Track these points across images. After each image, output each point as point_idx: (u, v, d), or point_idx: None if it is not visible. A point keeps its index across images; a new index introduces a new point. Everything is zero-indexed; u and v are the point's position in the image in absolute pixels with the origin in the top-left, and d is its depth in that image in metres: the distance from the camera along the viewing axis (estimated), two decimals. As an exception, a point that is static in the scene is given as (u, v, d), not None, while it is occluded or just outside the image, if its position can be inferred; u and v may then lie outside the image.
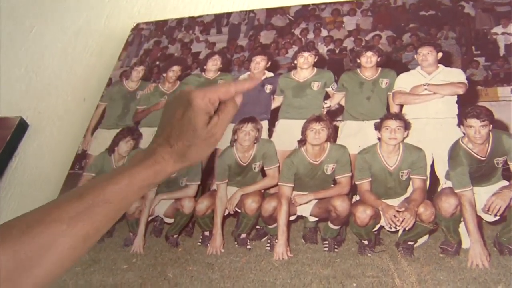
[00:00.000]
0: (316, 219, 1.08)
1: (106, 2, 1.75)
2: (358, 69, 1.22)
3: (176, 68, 1.42)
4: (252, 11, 1.47)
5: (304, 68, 1.26)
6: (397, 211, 1.01)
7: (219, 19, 1.51)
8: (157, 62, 1.48)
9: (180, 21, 1.56)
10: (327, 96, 1.22)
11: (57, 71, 1.65)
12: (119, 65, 1.52)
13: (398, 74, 1.18)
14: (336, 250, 1.01)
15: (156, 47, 1.52)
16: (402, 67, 1.19)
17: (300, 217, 1.10)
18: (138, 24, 1.61)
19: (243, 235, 1.10)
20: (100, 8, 1.75)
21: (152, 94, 1.41)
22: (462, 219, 0.97)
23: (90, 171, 1.32)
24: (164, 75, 1.43)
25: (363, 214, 1.02)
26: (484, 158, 1.01)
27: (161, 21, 1.58)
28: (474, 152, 1.02)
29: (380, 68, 1.21)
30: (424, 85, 1.14)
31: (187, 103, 0.72)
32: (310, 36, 1.34)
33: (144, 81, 1.45)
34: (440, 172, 1.04)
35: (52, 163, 1.43)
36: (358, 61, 1.23)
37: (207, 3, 1.58)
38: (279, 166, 1.15)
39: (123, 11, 1.71)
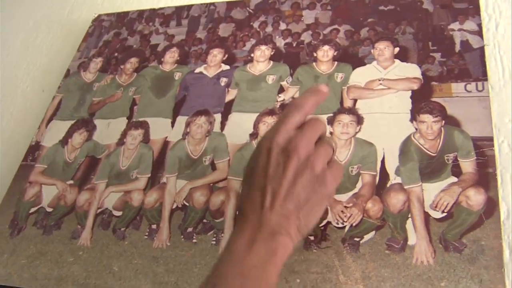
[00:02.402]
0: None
1: (70, -8, 1.73)
2: (314, 63, 1.21)
3: (133, 60, 1.40)
4: (212, 3, 1.45)
5: (260, 61, 1.24)
6: (345, 206, 0.99)
7: (180, 12, 1.49)
8: (116, 54, 1.45)
9: (141, 12, 1.53)
10: (281, 90, 1.20)
11: (16, 62, 1.62)
12: (78, 56, 1.49)
13: (354, 69, 1.16)
14: (281, 245, 0.99)
15: (116, 39, 1.49)
16: (358, 62, 1.17)
17: (248, 212, 1.07)
18: (99, 16, 1.59)
19: (190, 229, 1.07)
20: (63, -1, 1.72)
21: (108, 86, 1.38)
22: (409, 216, 0.95)
23: (42, 162, 1.29)
24: (122, 67, 1.40)
25: (310, 209, 1.00)
26: (435, 154, 0.99)
27: (122, 12, 1.56)
28: (425, 147, 1.00)
29: (336, 62, 1.19)
30: (379, 80, 1.12)
31: (320, 185, 0.63)
32: (269, 29, 1.32)
33: (102, 72, 1.43)
34: (390, 167, 1.02)
35: (6, 154, 1.40)
36: (315, 55, 1.21)
37: (171, -5, 1.56)
38: (229, 160, 1.12)
39: (86, 3, 1.68)
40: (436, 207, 0.95)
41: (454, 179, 0.97)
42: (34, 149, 1.32)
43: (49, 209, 1.20)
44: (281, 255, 0.60)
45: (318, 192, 0.64)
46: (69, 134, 1.30)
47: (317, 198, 0.64)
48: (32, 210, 1.22)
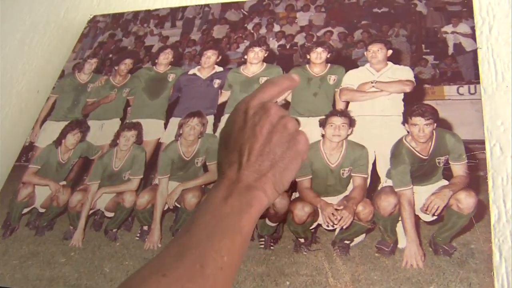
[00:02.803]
0: (254, 216, 1.05)
1: (67, -6, 1.73)
2: (307, 65, 1.20)
3: (128, 61, 1.40)
4: (207, 5, 1.45)
5: (254, 63, 1.24)
6: (336, 209, 0.99)
7: (174, 13, 1.49)
8: (110, 55, 1.45)
9: (136, 14, 1.53)
10: (274, 92, 1.19)
11: (12, 62, 1.62)
12: (73, 57, 1.49)
13: (347, 71, 1.16)
14: (272, 247, 0.99)
15: (111, 40, 1.49)
16: (351, 64, 1.17)
17: (238, 214, 1.07)
18: (94, 17, 1.59)
19: (181, 231, 1.07)
20: (59, 0, 1.72)
21: (102, 87, 1.38)
22: (400, 219, 0.95)
23: (35, 163, 1.29)
24: (116, 68, 1.40)
25: (301, 212, 1.00)
26: (426, 157, 0.99)
27: (117, 13, 1.56)
28: (416, 150, 1.00)
29: (329, 65, 1.19)
30: (372, 82, 1.12)
31: (293, 143, 0.68)
32: (263, 31, 1.32)
33: (96, 73, 1.43)
34: (382, 170, 1.02)
35: (0, 155, 1.40)
36: (308, 57, 1.21)
37: (166, -3, 1.56)
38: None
39: (82, 4, 1.68)
40: (426, 210, 0.95)
41: (445, 182, 0.96)
42: (27, 149, 1.32)
43: (42, 210, 1.20)
44: (255, 208, 0.64)
45: (293, 149, 0.68)
46: (62, 135, 1.30)
47: (291, 155, 0.68)
48: (25, 210, 1.22)
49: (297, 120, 0.72)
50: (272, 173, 0.66)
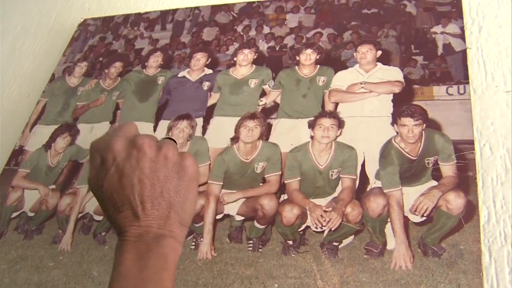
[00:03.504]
0: (243, 218, 1.05)
1: (58, -3, 1.73)
2: (296, 67, 1.20)
3: (118, 64, 1.40)
4: (197, 7, 1.45)
5: (243, 65, 1.24)
6: (324, 210, 0.98)
7: (165, 16, 1.49)
8: (101, 58, 1.45)
9: (126, 17, 1.53)
10: (263, 94, 1.19)
11: (4, 66, 1.61)
12: (63, 61, 1.49)
13: (336, 72, 1.16)
14: (260, 250, 0.98)
15: (101, 43, 1.49)
16: (340, 65, 1.17)
17: (227, 216, 1.06)
18: (85, 20, 1.58)
19: (169, 234, 1.06)
20: (51, 3, 1.72)
21: (92, 90, 1.38)
22: (388, 220, 0.95)
23: (25, 167, 1.29)
24: (106, 71, 1.40)
25: (289, 214, 0.99)
26: (415, 158, 0.99)
27: (108, 17, 1.56)
28: (405, 151, 0.99)
29: (318, 66, 1.18)
30: (361, 83, 1.12)
31: (182, 171, 0.59)
32: (252, 33, 1.32)
33: (86, 77, 1.42)
34: (371, 171, 1.01)
35: (-11, 159, 1.39)
36: (297, 58, 1.21)
37: (157, 0, 1.56)
38: (210, 164, 1.11)
39: (74, 7, 1.68)
40: (415, 211, 0.94)
41: (434, 182, 0.96)
42: (17, 153, 1.32)
43: (31, 214, 1.20)
44: (172, 259, 0.56)
45: (184, 178, 0.60)
46: (52, 138, 1.29)
47: (185, 185, 0.60)
48: (14, 215, 1.21)
49: (172, 139, 0.65)
50: (174, 212, 0.58)
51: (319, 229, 0.97)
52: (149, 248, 0.55)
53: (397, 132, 1.02)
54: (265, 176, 1.07)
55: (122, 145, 0.60)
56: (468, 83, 1.04)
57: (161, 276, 0.54)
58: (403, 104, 1.05)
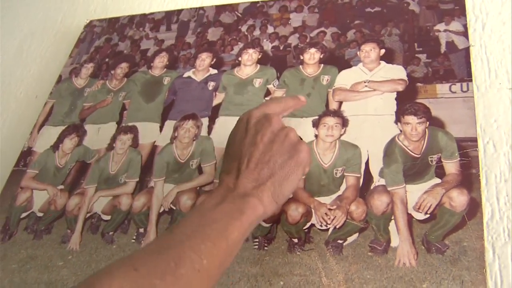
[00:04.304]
0: (248, 217, 1.05)
1: (64, 0, 1.74)
2: (300, 66, 1.21)
3: (124, 65, 1.41)
4: (202, 8, 1.46)
5: (248, 65, 1.25)
6: (329, 208, 0.99)
7: (169, 16, 1.50)
8: (107, 59, 1.46)
9: (132, 18, 1.54)
10: (268, 93, 1.20)
11: (11, 68, 1.63)
12: (70, 62, 1.51)
13: (340, 71, 1.17)
14: (265, 248, 0.99)
15: (107, 44, 1.50)
16: (344, 64, 1.17)
17: (233, 215, 1.07)
18: (91, 21, 1.60)
19: (176, 233, 1.07)
20: (57, 6, 1.74)
21: (99, 91, 1.39)
22: (392, 217, 0.95)
23: (33, 168, 1.30)
24: (112, 72, 1.41)
25: (294, 212, 1.00)
26: (419, 156, 0.99)
27: (113, 18, 1.57)
28: (409, 149, 1.00)
29: (322, 65, 1.19)
30: (365, 82, 1.12)
31: (294, 152, 0.66)
32: (257, 33, 1.32)
33: (93, 78, 1.44)
34: (374, 169, 1.02)
35: (-1, 160, 1.41)
36: (301, 57, 1.22)
37: (161, 1, 1.57)
38: (216, 163, 1.13)
39: (79, 9, 1.70)
40: (419, 208, 0.95)
41: (437, 180, 0.96)
42: (26, 154, 1.33)
43: (40, 214, 1.21)
44: (247, 216, 0.60)
45: (293, 159, 0.66)
46: (60, 139, 1.31)
47: (292, 165, 0.66)
48: (23, 215, 1.23)
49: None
50: (271, 182, 0.64)
51: (324, 227, 0.98)
52: (232, 199, 0.60)
53: (400, 130, 1.03)
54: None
55: (258, 114, 0.70)
56: (471, 80, 1.05)
57: (230, 223, 0.59)
58: (407, 102, 1.05)
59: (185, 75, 1.31)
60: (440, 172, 0.97)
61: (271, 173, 0.64)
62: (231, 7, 1.42)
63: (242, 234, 0.61)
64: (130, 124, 1.28)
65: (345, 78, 1.15)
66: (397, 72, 1.11)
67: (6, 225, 1.22)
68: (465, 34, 1.12)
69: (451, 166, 0.97)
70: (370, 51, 1.16)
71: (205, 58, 1.31)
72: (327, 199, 1.01)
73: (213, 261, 0.55)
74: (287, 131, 0.68)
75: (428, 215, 0.94)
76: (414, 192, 0.96)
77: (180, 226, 0.59)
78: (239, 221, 0.59)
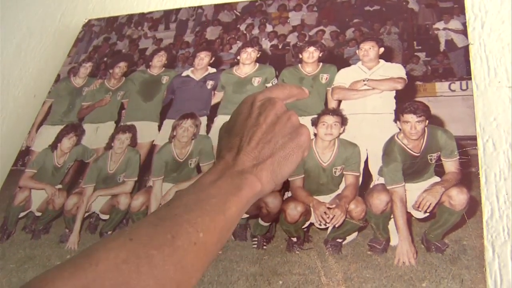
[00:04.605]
0: (247, 215, 1.05)
1: (62, -2, 1.74)
2: (299, 65, 1.21)
3: (122, 64, 1.41)
4: (200, 7, 1.46)
5: (247, 63, 1.25)
6: (328, 207, 0.99)
7: (168, 15, 1.49)
8: (105, 59, 1.46)
9: (130, 17, 1.54)
10: (267, 92, 1.19)
11: (9, 67, 1.63)
12: (68, 62, 1.50)
13: (339, 70, 1.16)
14: (264, 247, 0.99)
15: (105, 44, 1.50)
16: (343, 62, 1.17)
17: (232, 214, 1.07)
18: (89, 21, 1.59)
19: (174, 232, 1.07)
20: (55, 4, 1.73)
21: (97, 90, 1.39)
22: (392, 216, 0.95)
23: (31, 167, 1.30)
24: (111, 71, 1.41)
25: (293, 211, 1.00)
26: (418, 154, 0.99)
27: (112, 17, 1.57)
28: (408, 148, 1.00)
29: (321, 64, 1.19)
30: (364, 80, 1.12)
31: (295, 134, 0.69)
32: (255, 31, 1.32)
33: (91, 77, 1.43)
34: (373, 168, 1.02)
35: (-3, 160, 1.41)
36: (300, 56, 1.21)
37: (160, 0, 1.57)
38: (214, 162, 1.12)
39: (78, 8, 1.69)
40: (418, 207, 0.94)
41: (437, 179, 0.96)
42: (24, 154, 1.33)
43: (38, 214, 1.21)
44: (245, 192, 0.62)
45: (294, 141, 0.68)
46: (58, 139, 1.31)
47: (293, 147, 0.68)
48: (22, 214, 1.22)
49: None
50: (271, 161, 0.65)
51: (323, 226, 0.98)
52: (230, 175, 0.61)
53: (400, 129, 1.02)
54: (269, 174, 1.07)
55: (263, 97, 0.72)
56: (470, 79, 1.04)
57: (228, 198, 0.60)
58: (406, 100, 1.05)
59: (184, 74, 1.30)
60: (439, 170, 0.97)
61: (271, 153, 0.66)
62: (230, 6, 1.42)
63: (240, 210, 0.62)
64: (128, 123, 1.27)
65: (344, 76, 1.14)
66: (396, 70, 1.11)
67: (4, 225, 1.21)
68: (464, 32, 1.11)
69: (451, 165, 0.96)
70: (369, 49, 1.16)
71: (203, 57, 1.30)
72: (326, 198, 1.01)
73: (210, 235, 0.56)
74: (289, 114, 0.71)
75: (427, 214, 0.94)
76: (414, 191, 0.96)
77: (178, 200, 0.59)
78: (237, 197, 0.61)
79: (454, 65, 1.09)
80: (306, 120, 1.10)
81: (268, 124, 0.68)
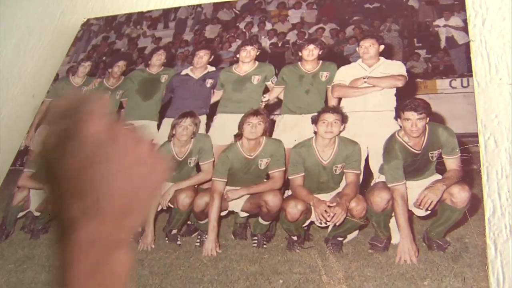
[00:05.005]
0: (247, 214, 1.05)
1: (61, -2, 1.73)
2: (299, 62, 1.20)
3: (121, 63, 1.40)
4: (199, 5, 1.45)
5: (246, 62, 1.24)
6: (328, 206, 0.98)
7: (167, 14, 1.49)
8: (104, 58, 1.45)
9: (129, 16, 1.53)
10: (266, 90, 1.19)
11: (8, 67, 1.62)
12: (67, 61, 1.50)
13: (339, 67, 1.15)
14: (265, 246, 0.98)
15: (104, 43, 1.50)
16: (343, 60, 1.16)
17: (232, 213, 1.07)
18: (88, 20, 1.59)
19: (174, 231, 1.07)
20: (55, 3, 1.72)
21: (96, 89, 1.38)
22: (393, 214, 0.94)
23: (30, 167, 1.29)
24: (110, 70, 1.40)
25: (294, 210, 0.99)
26: (419, 152, 0.98)
27: (110, 16, 1.56)
28: (409, 145, 0.99)
29: (321, 61, 1.18)
30: (364, 78, 1.11)
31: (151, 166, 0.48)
32: (255, 29, 1.32)
33: (90, 76, 1.43)
34: (374, 166, 1.01)
35: (-5, 160, 1.40)
36: (300, 54, 1.21)
37: (159, -1, 1.56)
38: (214, 161, 1.12)
39: (77, 7, 1.68)
40: (420, 205, 0.94)
41: (438, 176, 0.96)
42: (22, 154, 1.32)
43: (37, 213, 1.20)
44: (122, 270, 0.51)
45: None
46: (56, 138, 1.29)
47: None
48: (20, 214, 1.21)
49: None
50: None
51: (323, 225, 0.97)
52: (100, 261, 0.48)
53: (400, 126, 1.01)
54: (269, 172, 1.07)
55: (101, 127, 0.48)
56: (471, 76, 1.04)
57: None
58: (406, 98, 1.04)
59: (183, 72, 1.30)
60: (440, 168, 0.96)
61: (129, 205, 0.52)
62: (229, 4, 1.41)
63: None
64: (127, 122, 1.26)
65: (344, 74, 1.14)
66: (397, 67, 1.10)
67: (3, 225, 1.21)
68: (465, 29, 1.10)
69: (452, 162, 0.96)
70: (369, 47, 1.15)
71: (203, 56, 1.29)
72: (326, 196, 1.00)
73: None
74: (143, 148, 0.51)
75: (429, 212, 0.93)
76: (415, 189, 0.96)
77: None
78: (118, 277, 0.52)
79: (455, 62, 1.08)
80: (306, 118, 1.09)
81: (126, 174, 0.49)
